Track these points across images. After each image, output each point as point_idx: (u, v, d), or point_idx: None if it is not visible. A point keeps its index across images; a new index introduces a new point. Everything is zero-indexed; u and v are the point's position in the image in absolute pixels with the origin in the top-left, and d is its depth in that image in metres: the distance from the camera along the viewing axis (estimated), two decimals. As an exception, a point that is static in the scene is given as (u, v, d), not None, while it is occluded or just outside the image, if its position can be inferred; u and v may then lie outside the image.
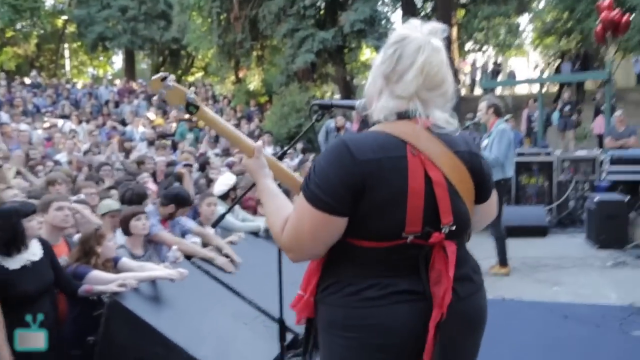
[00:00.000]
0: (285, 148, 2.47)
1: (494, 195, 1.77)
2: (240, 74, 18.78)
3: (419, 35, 1.57)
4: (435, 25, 1.62)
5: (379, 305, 1.50)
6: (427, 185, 1.50)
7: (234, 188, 5.79)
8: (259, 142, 1.89)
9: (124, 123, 13.31)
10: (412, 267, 1.53)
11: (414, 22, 1.63)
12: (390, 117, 1.58)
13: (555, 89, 17.78)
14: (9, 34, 25.68)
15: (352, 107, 2.04)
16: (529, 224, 7.56)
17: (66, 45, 29.18)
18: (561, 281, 5.68)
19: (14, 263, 3.10)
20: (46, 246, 3.34)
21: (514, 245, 6.17)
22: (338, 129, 10.73)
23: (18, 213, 3.16)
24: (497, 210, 1.84)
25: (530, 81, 16.99)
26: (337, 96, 18.90)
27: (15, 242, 3.09)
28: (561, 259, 6.43)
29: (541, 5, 21.40)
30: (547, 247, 7.05)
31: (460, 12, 19.07)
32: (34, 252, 3.22)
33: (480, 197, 1.68)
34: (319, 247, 1.55)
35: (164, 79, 1.78)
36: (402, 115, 1.57)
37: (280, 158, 2.10)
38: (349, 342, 1.54)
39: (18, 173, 6.33)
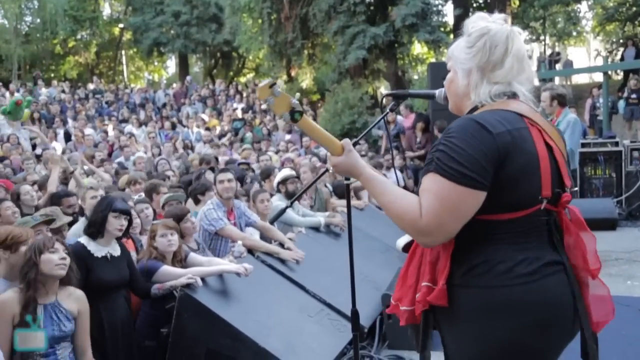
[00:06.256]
0: (357, 139, 2.43)
1: None
2: (292, 73, 18.92)
3: (499, 25, 1.64)
4: (500, 14, 1.69)
5: (533, 281, 1.54)
6: (548, 152, 1.62)
7: (283, 181, 5.79)
8: (346, 140, 1.78)
9: (181, 125, 13.67)
10: (543, 236, 1.62)
11: (480, 14, 1.70)
12: (498, 98, 1.64)
13: (618, 77, 16.97)
14: (71, 43, 26.94)
15: (431, 97, 2.01)
16: (597, 216, 7.17)
17: (123, 52, 30.27)
18: (636, 275, 5.41)
19: (98, 251, 3.33)
20: (123, 247, 3.56)
21: (582, 239, 5.91)
22: (388, 122, 10.63)
23: (110, 204, 3.42)
24: None
25: (591, 70, 16.31)
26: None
27: (95, 224, 3.35)
28: (633, 253, 6.12)
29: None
30: (617, 241, 6.72)
31: (515, 2, 18.50)
32: (114, 248, 3.45)
33: None
34: (459, 226, 1.54)
35: (272, 85, 1.65)
36: (510, 96, 1.66)
37: None
38: (509, 323, 1.54)
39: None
